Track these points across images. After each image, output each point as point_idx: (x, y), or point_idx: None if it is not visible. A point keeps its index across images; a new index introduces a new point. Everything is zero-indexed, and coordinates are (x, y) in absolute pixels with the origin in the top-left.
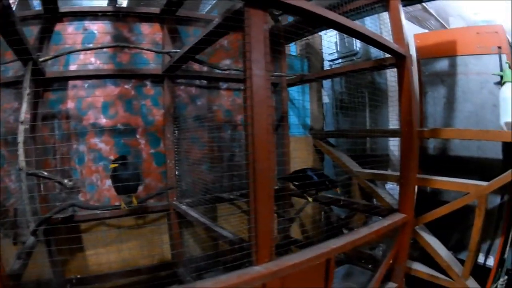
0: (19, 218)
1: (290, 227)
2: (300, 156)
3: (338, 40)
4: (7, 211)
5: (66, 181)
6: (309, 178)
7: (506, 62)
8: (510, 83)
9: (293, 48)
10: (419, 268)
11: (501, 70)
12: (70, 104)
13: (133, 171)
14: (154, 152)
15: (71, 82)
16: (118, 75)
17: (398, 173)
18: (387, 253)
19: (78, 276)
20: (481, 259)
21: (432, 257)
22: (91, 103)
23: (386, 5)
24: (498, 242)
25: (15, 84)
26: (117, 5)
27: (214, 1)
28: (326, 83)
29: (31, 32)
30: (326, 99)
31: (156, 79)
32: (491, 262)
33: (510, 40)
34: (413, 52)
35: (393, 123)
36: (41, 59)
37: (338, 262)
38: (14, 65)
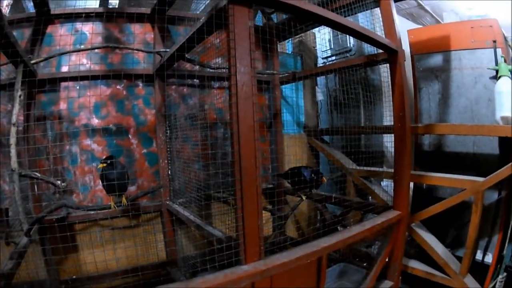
0: (11, 218)
1: (285, 225)
2: (294, 154)
3: (331, 37)
4: (0, 211)
5: (59, 182)
6: (301, 175)
7: (502, 56)
8: (505, 77)
9: (289, 47)
10: (416, 265)
11: (496, 64)
12: (62, 105)
13: (121, 170)
14: (147, 152)
15: (63, 84)
16: (109, 76)
17: (392, 170)
18: (382, 250)
19: (73, 276)
20: (479, 256)
21: (429, 254)
22: (83, 104)
23: (378, 0)
24: (496, 238)
25: (8, 86)
26: (108, 6)
27: (207, 1)
28: (320, 80)
29: (23, 33)
30: (320, 97)
31: (148, 79)
32: (489, 259)
33: (505, 34)
34: (407, 47)
35: (388, 120)
36: (32, 61)
37: (333, 260)
38: (7, 67)
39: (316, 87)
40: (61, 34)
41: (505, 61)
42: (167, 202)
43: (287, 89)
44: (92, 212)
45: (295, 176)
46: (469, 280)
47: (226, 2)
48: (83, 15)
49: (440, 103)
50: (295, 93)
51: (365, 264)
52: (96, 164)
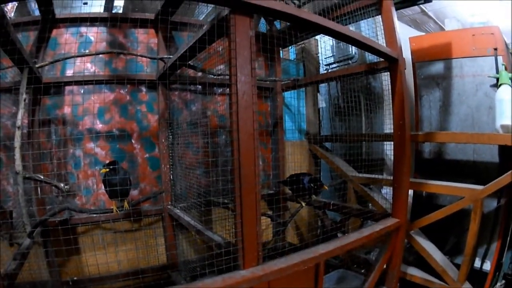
0: (15, 220)
1: (285, 231)
2: (296, 161)
3: (334, 44)
4: (4, 213)
5: (62, 185)
6: (301, 182)
7: (503, 64)
8: (506, 85)
9: (292, 54)
10: (414, 272)
11: (497, 72)
12: (67, 110)
13: (123, 176)
14: (149, 157)
15: (67, 88)
16: (113, 81)
17: (392, 177)
18: (380, 257)
19: (75, 278)
20: (477, 263)
21: (427, 261)
22: (87, 109)
23: (379, 8)
24: (494, 246)
25: (13, 89)
26: (113, 11)
27: (210, 8)
28: (322, 87)
29: (29, 37)
30: (322, 104)
31: (151, 84)
32: (487, 266)
33: (506, 41)
34: (408, 55)
35: (388, 127)
36: (37, 65)
37: (332, 266)
38: (12, 70)
39: (318, 94)
40: (66, 38)
41: (506, 69)
42: (169, 207)
43: (289, 96)
44: (95, 215)
45: (295, 183)
46: None
47: (228, 12)
48: (88, 19)
49: (441, 110)
50: (297, 100)
51: (363, 271)
52: (99, 168)
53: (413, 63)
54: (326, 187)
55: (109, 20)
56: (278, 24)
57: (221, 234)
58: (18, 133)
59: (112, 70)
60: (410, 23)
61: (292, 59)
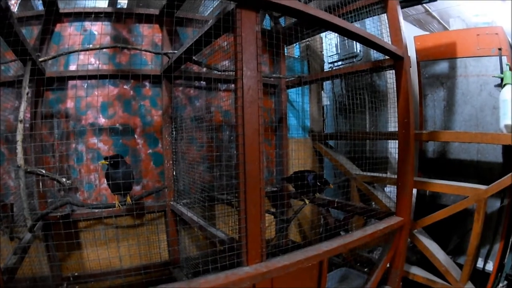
0: (16, 214)
1: (288, 228)
2: (299, 158)
3: (338, 42)
4: (5, 207)
5: (64, 179)
6: (305, 179)
7: (507, 64)
8: (510, 85)
9: (297, 51)
10: (417, 272)
11: (502, 72)
12: (70, 104)
13: (126, 170)
14: (152, 152)
15: (70, 82)
16: (117, 76)
17: (396, 176)
18: (384, 256)
19: (76, 273)
20: (480, 264)
21: (430, 261)
22: (90, 103)
23: (385, 6)
24: (497, 246)
25: (15, 83)
26: (117, 6)
27: (216, 3)
28: (326, 85)
29: (32, 31)
30: (326, 101)
31: (155, 79)
32: (490, 267)
33: (510, 41)
34: (413, 54)
35: (393, 126)
36: (40, 59)
37: (335, 265)
38: (15, 64)
39: (322, 92)
40: (70, 33)
41: (510, 69)
42: (171, 203)
43: (293, 93)
44: (97, 210)
45: (298, 180)
46: None
47: (234, 6)
48: (92, 14)
49: (445, 110)
50: (301, 98)
51: (366, 270)
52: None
53: (417, 62)
54: (331, 186)
55: (113, 15)
56: (282, 21)
57: (224, 230)
58: (20, 127)
59: (116, 64)
60: (414, 23)
61: (297, 56)
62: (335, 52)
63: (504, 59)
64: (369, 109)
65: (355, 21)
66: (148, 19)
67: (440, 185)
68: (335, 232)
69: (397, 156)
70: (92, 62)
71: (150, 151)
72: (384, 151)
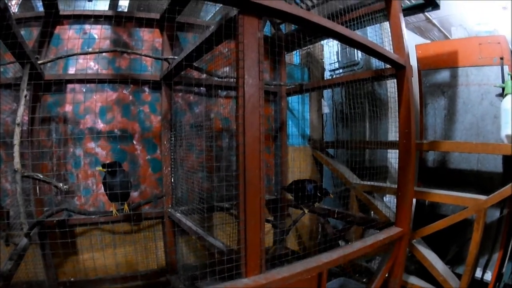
0: (12, 219)
1: (287, 238)
2: (299, 166)
3: (339, 50)
4: (1, 212)
5: (61, 184)
6: (305, 190)
7: (508, 74)
8: (511, 95)
9: (297, 58)
10: (415, 282)
11: (503, 81)
12: (68, 108)
13: (124, 178)
14: (151, 158)
15: (69, 86)
16: (116, 80)
17: (395, 186)
18: (382, 266)
19: (72, 279)
20: (478, 273)
21: (428, 271)
22: (89, 107)
23: (387, 14)
24: (496, 256)
25: (13, 85)
26: (118, 9)
27: (218, 8)
28: (326, 93)
29: (31, 33)
30: (326, 109)
31: (155, 85)
32: (488, 276)
33: None
34: (414, 63)
35: (393, 135)
36: (39, 62)
37: (333, 274)
38: (14, 66)
39: (322, 99)
40: (69, 35)
41: (511, 78)
42: (169, 210)
43: (294, 101)
44: (94, 217)
45: (298, 191)
46: None
47: (236, 13)
48: (92, 17)
49: (446, 119)
50: (301, 105)
51: (365, 280)
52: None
53: (418, 71)
54: (331, 196)
55: (114, 18)
56: (283, 28)
57: (223, 240)
58: (17, 130)
59: (116, 69)
60: (415, 31)
61: (297, 63)
62: (336, 60)
63: (506, 68)
64: (369, 118)
65: (357, 28)
66: (148, 23)
67: (440, 195)
68: (333, 242)
69: (396, 166)
70: (92, 65)
71: (148, 157)
72: (384, 160)
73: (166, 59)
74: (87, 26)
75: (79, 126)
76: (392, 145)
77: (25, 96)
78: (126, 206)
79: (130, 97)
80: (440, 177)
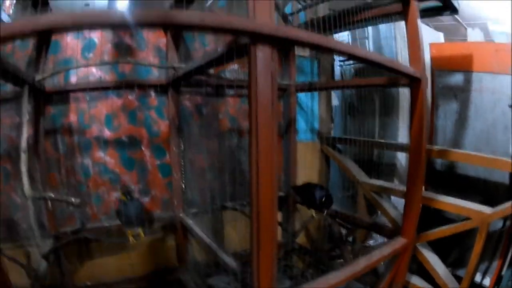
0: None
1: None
2: (307, 161)
3: (350, 42)
4: (14, 224)
5: (73, 199)
6: (314, 197)
7: None
8: None
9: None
10: (416, 281)
11: None
12: (73, 117)
13: (137, 203)
14: (160, 164)
15: (72, 95)
16: (121, 86)
17: (403, 187)
18: (387, 273)
19: (88, 283)
20: (478, 278)
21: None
22: (94, 116)
23: (404, 18)
24: (495, 264)
25: (14, 99)
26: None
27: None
28: None
29: (28, 41)
30: (335, 102)
31: (161, 88)
32: (487, 282)
33: None
34: (427, 62)
35: (402, 136)
36: (38, 79)
37: None
38: None
39: (332, 92)
40: (68, 41)
41: None
42: (180, 215)
43: (302, 95)
44: (107, 224)
45: (307, 195)
46: None
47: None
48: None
49: (457, 123)
50: (310, 99)
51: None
52: (109, 177)
53: (432, 71)
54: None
55: None
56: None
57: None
58: (24, 157)
59: (119, 74)
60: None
61: (307, 55)
62: None
63: None
64: (380, 114)
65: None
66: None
67: (445, 203)
68: (340, 242)
69: (405, 164)
70: (94, 72)
71: (157, 162)
72: (392, 157)
73: (173, 68)
74: (86, 30)
75: (85, 135)
76: (402, 148)
77: (27, 121)
78: (141, 232)
79: (136, 103)
80: (448, 181)
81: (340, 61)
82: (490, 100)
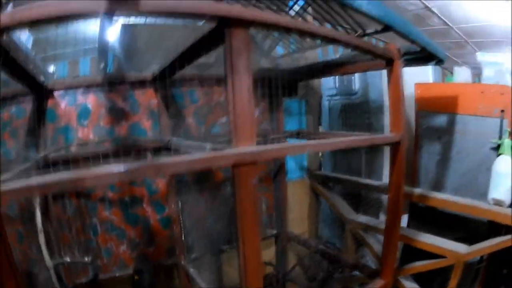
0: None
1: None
2: (298, 199)
3: (336, 78)
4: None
5: (86, 259)
6: None
7: (506, 130)
8: (505, 156)
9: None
10: None
11: (501, 136)
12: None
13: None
14: (160, 218)
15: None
16: (119, 151)
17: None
18: None
19: None
20: None
21: None
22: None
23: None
24: None
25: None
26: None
27: None
28: (325, 119)
29: (24, 111)
30: None
31: (156, 150)
32: None
33: None
34: (412, 102)
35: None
36: (41, 155)
37: None
38: None
39: (320, 127)
40: (64, 109)
41: (510, 134)
42: (182, 263)
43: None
44: (117, 275)
45: None
46: None
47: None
48: (83, 86)
49: (439, 164)
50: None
51: None
52: (115, 233)
53: (416, 112)
54: None
55: (106, 83)
56: None
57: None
58: (41, 236)
59: (116, 140)
60: (412, 18)
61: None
62: (334, 86)
63: (506, 122)
64: (365, 152)
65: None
66: (141, 84)
67: (421, 242)
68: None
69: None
70: (91, 137)
71: (158, 217)
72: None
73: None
74: (79, 97)
75: (90, 198)
76: (383, 190)
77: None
78: None
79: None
80: (429, 217)
81: (327, 95)
82: (473, 142)
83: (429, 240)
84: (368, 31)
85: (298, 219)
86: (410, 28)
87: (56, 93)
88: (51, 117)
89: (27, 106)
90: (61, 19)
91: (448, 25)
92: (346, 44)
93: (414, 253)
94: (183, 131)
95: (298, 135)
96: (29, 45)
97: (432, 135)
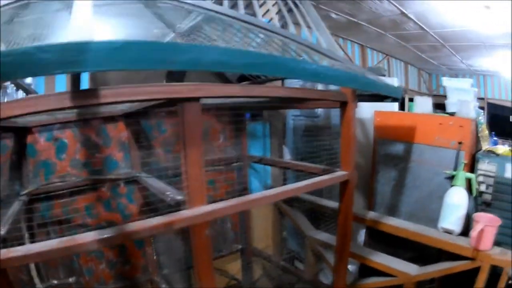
0: None
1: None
2: (262, 216)
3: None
4: None
5: (70, 280)
6: None
7: (463, 162)
8: (458, 188)
9: None
10: None
11: (456, 167)
12: (57, 211)
13: None
14: (135, 240)
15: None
16: (95, 183)
17: None
18: None
19: None
20: None
21: None
22: (76, 208)
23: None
24: None
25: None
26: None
27: None
28: (289, 138)
29: (6, 146)
30: (287, 156)
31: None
32: None
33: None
34: (371, 130)
35: None
36: (24, 192)
37: None
38: None
39: (284, 146)
40: (42, 144)
41: (464, 167)
42: (155, 279)
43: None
44: None
45: None
46: None
47: None
48: (58, 123)
49: (395, 190)
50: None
51: None
52: (94, 254)
53: (374, 139)
54: None
55: (79, 120)
56: None
57: None
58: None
59: (92, 171)
60: (388, 23)
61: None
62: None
63: (462, 154)
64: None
65: None
66: (112, 119)
67: (373, 262)
68: None
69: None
70: (69, 170)
71: None
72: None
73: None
74: (56, 132)
75: (70, 224)
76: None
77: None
78: None
79: (109, 193)
80: (385, 236)
81: (292, 115)
82: (428, 172)
83: (381, 259)
84: None
85: (262, 234)
86: (363, 82)
87: (34, 129)
88: (31, 152)
89: (9, 141)
90: None
91: (424, 29)
92: (300, 100)
93: (372, 269)
94: (152, 160)
95: (260, 161)
96: None
97: (389, 162)
